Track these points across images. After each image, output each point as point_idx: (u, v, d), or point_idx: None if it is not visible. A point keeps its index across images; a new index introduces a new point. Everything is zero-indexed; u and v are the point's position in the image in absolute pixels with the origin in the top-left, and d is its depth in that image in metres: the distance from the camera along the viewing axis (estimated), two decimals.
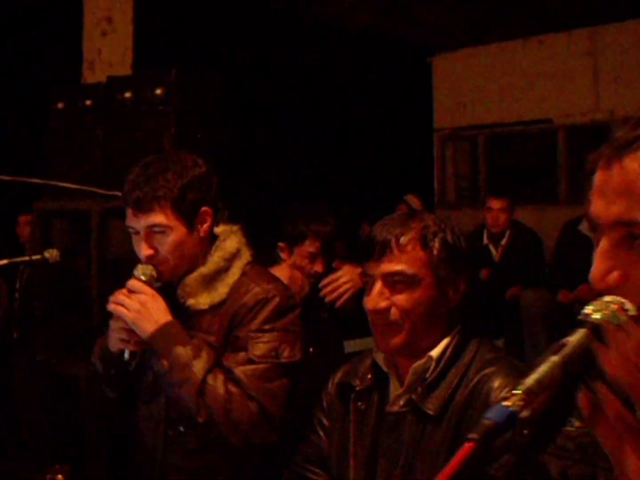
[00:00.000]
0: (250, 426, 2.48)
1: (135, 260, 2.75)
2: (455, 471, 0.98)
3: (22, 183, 4.76)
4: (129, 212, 2.59)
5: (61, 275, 4.98)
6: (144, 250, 2.57)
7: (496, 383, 2.07)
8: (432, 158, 10.65)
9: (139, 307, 2.50)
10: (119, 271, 4.76)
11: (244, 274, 2.65)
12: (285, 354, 2.56)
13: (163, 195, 2.54)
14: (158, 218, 2.54)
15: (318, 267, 4.30)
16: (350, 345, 4.44)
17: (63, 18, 6.79)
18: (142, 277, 2.58)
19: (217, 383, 2.47)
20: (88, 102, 4.93)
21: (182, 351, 2.48)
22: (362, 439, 2.25)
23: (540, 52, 9.92)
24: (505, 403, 1.06)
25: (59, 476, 2.29)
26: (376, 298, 2.15)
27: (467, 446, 1.02)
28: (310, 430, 2.46)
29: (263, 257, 3.04)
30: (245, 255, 2.71)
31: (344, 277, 3.89)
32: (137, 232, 2.60)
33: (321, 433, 2.42)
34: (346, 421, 2.31)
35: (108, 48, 6.26)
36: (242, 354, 2.53)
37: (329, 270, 4.35)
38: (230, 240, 2.70)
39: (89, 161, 4.91)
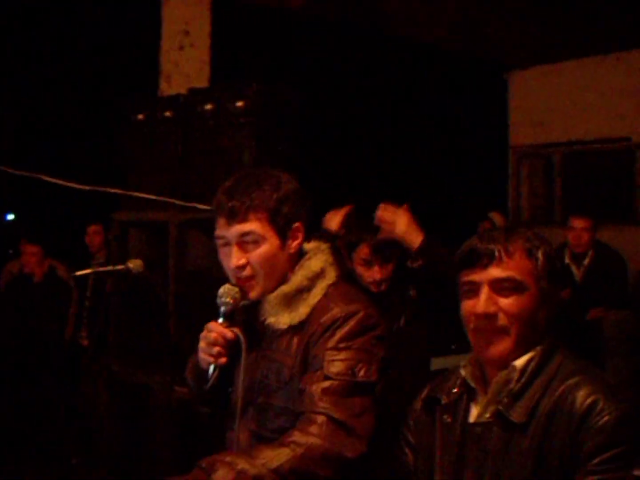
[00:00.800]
0: (327, 443, 2.33)
1: (212, 273, 2.70)
2: None
3: (93, 193, 4.78)
4: (221, 221, 2.51)
5: (138, 286, 4.98)
6: (234, 260, 2.50)
7: (581, 392, 2.05)
8: (507, 176, 10.53)
9: None
10: (196, 283, 4.76)
11: (326, 294, 2.55)
12: (362, 373, 2.43)
13: (260, 205, 2.48)
14: (253, 226, 2.48)
15: (375, 275, 4.25)
16: (438, 363, 4.35)
17: (141, 31, 6.84)
18: (228, 300, 2.51)
19: (274, 450, 2.33)
20: (168, 114, 4.95)
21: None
22: (448, 451, 2.24)
23: (618, 68, 9.73)
24: None
25: None
26: (486, 302, 2.15)
27: None
28: (397, 448, 2.45)
29: None
30: (330, 276, 2.59)
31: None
32: (228, 243, 2.52)
33: (407, 450, 2.41)
34: (432, 435, 2.31)
35: (185, 61, 6.30)
36: (318, 373, 2.43)
37: (395, 278, 4.29)
38: (316, 259, 2.61)
39: (167, 172, 4.93)
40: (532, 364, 2.15)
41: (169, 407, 4.77)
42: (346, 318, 2.47)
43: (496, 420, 2.15)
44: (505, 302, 2.15)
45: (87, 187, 4.59)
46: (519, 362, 2.16)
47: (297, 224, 2.56)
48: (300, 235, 2.58)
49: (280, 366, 2.53)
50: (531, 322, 2.16)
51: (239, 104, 4.55)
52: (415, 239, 3.87)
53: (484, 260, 2.17)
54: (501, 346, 2.16)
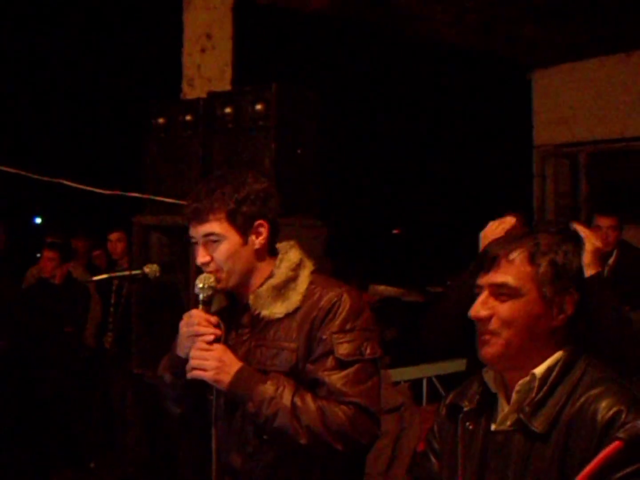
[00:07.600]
0: (351, 428, 2.61)
1: None
2: (598, 468, 0.92)
3: (117, 198, 4.80)
4: (190, 222, 2.79)
5: (159, 290, 5.00)
6: (200, 257, 2.76)
7: (603, 404, 2.04)
8: (531, 175, 10.49)
9: (217, 363, 2.67)
10: None
11: (312, 282, 2.82)
12: (368, 351, 2.71)
13: (218, 207, 2.72)
14: (213, 227, 2.73)
15: None
16: None
17: (163, 35, 6.87)
18: (205, 287, 2.73)
19: (307, 402, 2.63)
20: (188, 118, 4.96)
21: (264, 387, 2.65)
22: (470, 459, 2.26)
23: None
24: None
25: None
26: (479, 306, 2.22)
27: (614, 445, 0.95)
28: (422, 453, 2.50)
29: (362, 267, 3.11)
30: (309, 265, 2.88)
31: None
32: (197, 242, 2.79)
33: (432, 456, 2.44)
34: (455, 442, 2.33)
35: (207, 64, 6.30)
36: (329, 359, 2.69)
37: None
38: (292, 252, 2.88)
39: (188, 176, 4.93)
40: (554, 371, 2.15)
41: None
42: (341, 300, 2.73)
43: (518, 429, 2.15)
44: (500, 307, 2.19)
45: (107, 192, 4.61)
46: (539, 370, 2.17)
47: (259, 221, 2.80)
48: (264, 231, 2.82)
49: (281, 351, 2.75)
50: (529, 329, 2.18)
51: (259, 107, 4.55)
52: None
53: (489, 264, 2.23)
54: (492, 348, 2.19)
